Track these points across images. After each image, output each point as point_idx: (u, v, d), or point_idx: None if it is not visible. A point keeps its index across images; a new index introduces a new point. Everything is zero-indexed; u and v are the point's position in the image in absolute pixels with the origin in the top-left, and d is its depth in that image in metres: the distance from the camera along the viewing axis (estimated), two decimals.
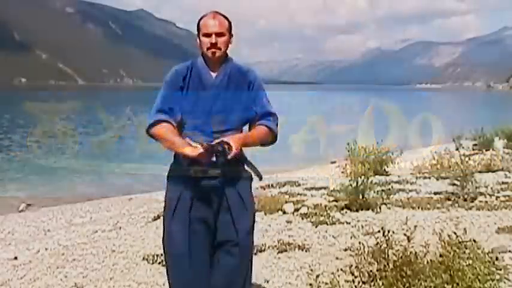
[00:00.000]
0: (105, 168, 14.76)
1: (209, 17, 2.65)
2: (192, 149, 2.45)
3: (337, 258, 4.41)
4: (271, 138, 2.72)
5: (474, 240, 3.07)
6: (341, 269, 3.35)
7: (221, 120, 2.63)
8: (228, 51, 2.71)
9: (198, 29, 2.68)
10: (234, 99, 2.67)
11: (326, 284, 2.96)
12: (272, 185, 8.93)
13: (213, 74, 2.67)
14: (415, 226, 3.27)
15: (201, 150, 2.42)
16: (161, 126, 2.57)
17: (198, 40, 2.69)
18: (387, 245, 3.12)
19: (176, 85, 2.65)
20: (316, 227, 5.55)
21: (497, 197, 6.97)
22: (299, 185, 9.19)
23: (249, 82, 2.72)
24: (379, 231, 3.29)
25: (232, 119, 2.66)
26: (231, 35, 2.69)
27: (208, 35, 2.62)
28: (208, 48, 2.63)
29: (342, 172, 9.29)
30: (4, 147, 18.75)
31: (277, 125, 2.72)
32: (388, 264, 3.05)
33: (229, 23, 2.69)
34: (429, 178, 8.91)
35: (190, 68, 2.69)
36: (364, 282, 3.16)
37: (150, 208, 8.26)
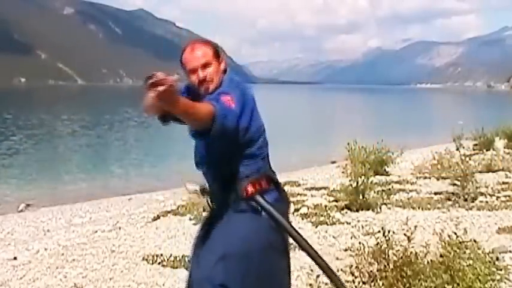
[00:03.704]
0: (105, 168, 14.77)
1: (188, 51, 2.33)
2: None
3: (337, 258, 4.40)
4: (208, 119, 2.05)
5: (474, 241, 3.07)
6: (341, 269, 3.34)
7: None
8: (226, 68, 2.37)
9: (183, 67, 2.36)
10: None
11: (326, 284, 2.96)
12: None
13: None
14: (416, 226, 3.27)
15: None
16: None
17: (187, 77, 2.36)
18: (387, 245, 3.12)
19: None
20: (316, 227, 5.54)
21: (497, 197, 6.96)
22: (299, 185, 9.18)
23: None
24: (379, 232, 3.28)
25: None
26: (220, 60, 2.35)
27: (193, 71, 2.31)
28: (199, 85, 2.31)
29: (342, 172, 9.27)
30: (4, 147, 18.72)
31: (224, 116, 2.08)
32: (388, 264, 3.04)
33: (214, 48, 2.36)
34: (429, 178, 8.90)
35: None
36: (364, 283, 3.16)
37: (150, 208, 8.24)
